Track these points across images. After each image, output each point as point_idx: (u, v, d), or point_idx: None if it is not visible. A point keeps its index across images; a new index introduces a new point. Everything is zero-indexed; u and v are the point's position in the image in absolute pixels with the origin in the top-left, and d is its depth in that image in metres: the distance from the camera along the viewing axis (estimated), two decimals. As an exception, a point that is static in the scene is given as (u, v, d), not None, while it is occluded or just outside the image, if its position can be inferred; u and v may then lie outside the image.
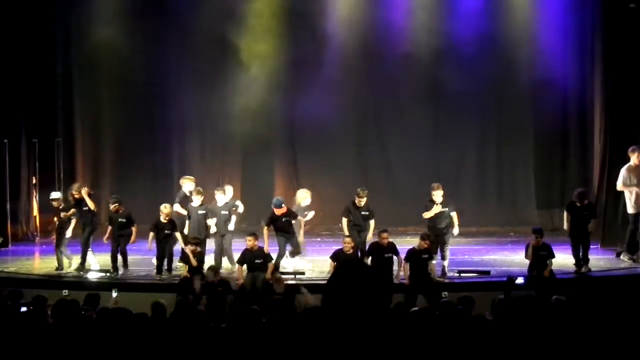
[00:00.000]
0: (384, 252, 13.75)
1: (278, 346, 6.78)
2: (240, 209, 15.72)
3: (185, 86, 19.13)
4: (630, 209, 15.31)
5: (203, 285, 13.26)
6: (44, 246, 17.44)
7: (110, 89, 19.36)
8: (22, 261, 16.17)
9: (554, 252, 13.79)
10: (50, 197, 15.57)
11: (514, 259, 15.56)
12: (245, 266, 13.71)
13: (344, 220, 14.82)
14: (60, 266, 14.90)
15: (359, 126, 19.54)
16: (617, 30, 16.52)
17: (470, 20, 18.46)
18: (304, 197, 15.75)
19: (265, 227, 14.67)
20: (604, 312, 8.51)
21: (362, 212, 14.84)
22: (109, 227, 14.90)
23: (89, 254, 15.01)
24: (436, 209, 14.62)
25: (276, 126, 19.37)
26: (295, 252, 14.91)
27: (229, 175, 19.20)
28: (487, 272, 14.48)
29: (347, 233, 14.51)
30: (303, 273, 14.49)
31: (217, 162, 19.77)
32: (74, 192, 15.23)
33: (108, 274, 14.41)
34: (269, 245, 14.41)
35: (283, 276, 13.92)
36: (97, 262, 15.05)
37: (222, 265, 14.89)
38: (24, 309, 9.42)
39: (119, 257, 14.61)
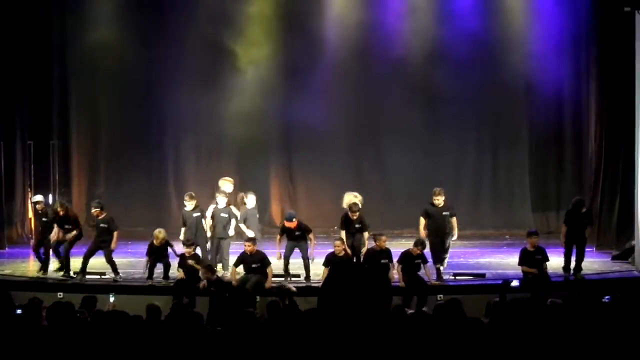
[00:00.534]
0: (380, 258, 13.75)
1: (274, 348, 6.78)
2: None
3: (180, 89, 19.11)
4: None
5: (209, 281, 13.21)
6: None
7: (105, 91, 19.35)
8: (17, 264, 16.14)
9: (548, 255, 13.86)
10: (33, 200, 15.51)
11: (509, 261, 15.57)
12: (241, 268, 13.68)
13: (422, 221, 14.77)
14: (43, 268, 14.86)
15: (354, 129, 19.53)
16: (612, 33, 16.55)
17: (465, 24, 18.47)
18: (351, 200, 15.25)
19: (278, 236, 14.74)
20: (598, 314, 8.53)
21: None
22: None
23: (51, 256, 14.97)
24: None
25: (271, 129, 19.37)
26: (305, 262, 14.64)
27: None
28: (483, 275, 14.49)
29: (423, 234, 14.50)
30: (298, 276, 14.47)
31: (214, 164, 19.74)
32: (58, 209, 14.99)
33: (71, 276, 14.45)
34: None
35: (275, 279, 13.88)
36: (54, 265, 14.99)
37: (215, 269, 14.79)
38: (19, 311, 9.41)
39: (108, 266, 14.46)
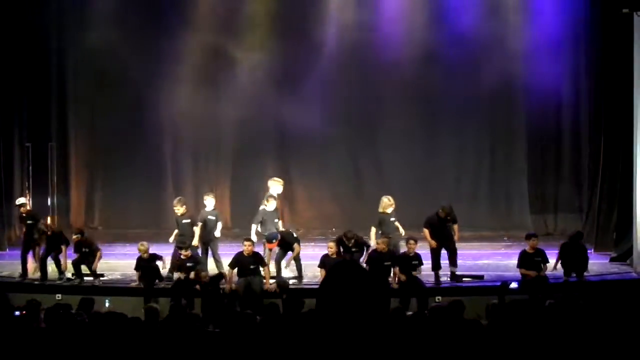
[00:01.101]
0: (383, 260, 13.73)
1: (272, 350, 6.78)
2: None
3: (179, 91, 19.10)
4: None
5: (211, 278, 13.20)
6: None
7: (103, 93, 19.35)
8: (15, 265, 16.10)
9: (547, 257, 13.86)
10: (17, 203, 15.48)
11: (507, 263, 15.55)
12: (236, 270, 13.57)
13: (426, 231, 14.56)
14: (24, 273, 14.88)
15: (351, 131, 19.49)
16: (610, 35, 16.55)
17: (463, 26, 18.44)
18: (389, 204, 15.07)
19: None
20: (597, 316, 8.53)
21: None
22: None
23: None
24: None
25: (268, 131, 19.36)
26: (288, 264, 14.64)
27: (220, 181, 19.29)
28: (481, 277, 14.48)
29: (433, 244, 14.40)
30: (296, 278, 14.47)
31: (211, 166, 19.75)
32: (47, 231, 14.91)
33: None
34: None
35: (272, 280, 13.85)
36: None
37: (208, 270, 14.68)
38: (17, 313, 9.40)
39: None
